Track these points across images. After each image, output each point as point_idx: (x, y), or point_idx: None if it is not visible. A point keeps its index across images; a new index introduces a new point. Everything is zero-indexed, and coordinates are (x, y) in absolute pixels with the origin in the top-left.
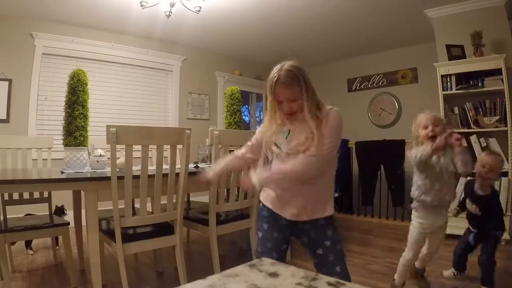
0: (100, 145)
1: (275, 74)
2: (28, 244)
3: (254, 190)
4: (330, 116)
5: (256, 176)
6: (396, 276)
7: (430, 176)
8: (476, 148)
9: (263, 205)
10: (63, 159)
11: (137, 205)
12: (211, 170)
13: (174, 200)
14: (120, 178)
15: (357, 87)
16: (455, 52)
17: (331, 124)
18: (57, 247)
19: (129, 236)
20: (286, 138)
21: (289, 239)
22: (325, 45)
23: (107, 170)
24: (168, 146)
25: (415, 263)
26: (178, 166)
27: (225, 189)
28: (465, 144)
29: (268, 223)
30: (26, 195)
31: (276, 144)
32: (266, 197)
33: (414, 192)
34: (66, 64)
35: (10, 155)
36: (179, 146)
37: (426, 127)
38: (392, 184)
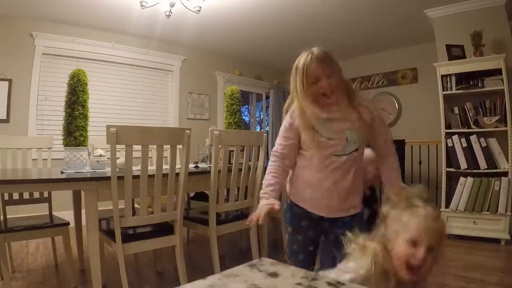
0: (100, 145)
1: (308, 55)
2: None
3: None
4: (378, 111)
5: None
6: None
7: None
8: (476, 148)
9: (294, 203)
10: (63, 159)
11: (137, 205)
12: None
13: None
14: (120, 178)
15: (357, 87)
16: (455, 52)
17: (383, 119)
18: None
19: (129, 236)
20: (326, 125)
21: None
22: (325, 45)
23: (107, 170)
24: (168, 146)
25: None
26: (178, 166)
27: (225, 189)
28: (465, 144)
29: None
30: (26, 195)
31: (316, 130)
32: (295, 195)
33: None
34: (66, 64)
35: (10, 155)
36: (179, 146)
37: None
38: None
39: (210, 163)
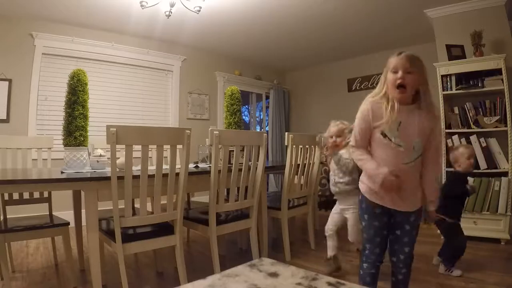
0: (100, 145)
1: (398, 52)
2: None
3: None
4: (439, 122)
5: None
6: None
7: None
8: (476, 148)
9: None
10: (63, 159)
11: (137, 205)
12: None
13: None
14: (120, 178)
15: (357, 87)
16: (455, 52)
17: (441, 126)
18: None
19: (129, 236)
20: (397, 129)
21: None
22: (325, 45)
23: (107, 170)
24: (168, 146)
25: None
26: (178, 166)
27: (225, 189)
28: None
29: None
30: (26, 195)
31: (384, 134)
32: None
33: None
34: (66, 64)
35: (10, 155)
36: (179, 146)
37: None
38: None
39: (210, 163)
